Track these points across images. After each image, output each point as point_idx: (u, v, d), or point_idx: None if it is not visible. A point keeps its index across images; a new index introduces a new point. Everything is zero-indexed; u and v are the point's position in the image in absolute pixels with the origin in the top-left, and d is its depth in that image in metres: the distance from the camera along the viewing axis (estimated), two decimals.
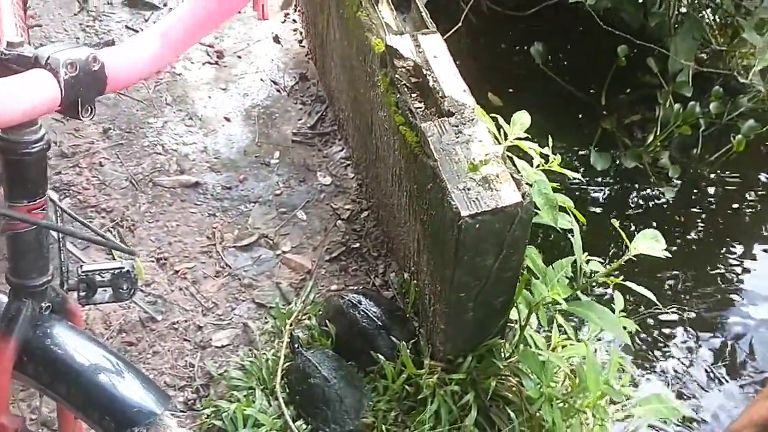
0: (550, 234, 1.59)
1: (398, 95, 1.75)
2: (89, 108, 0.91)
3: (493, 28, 3.30)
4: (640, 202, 2.92)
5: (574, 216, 1.58)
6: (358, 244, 2.21)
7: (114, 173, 2.36)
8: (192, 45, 1.07)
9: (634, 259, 1.53)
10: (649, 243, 1.51)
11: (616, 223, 1.53)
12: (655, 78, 2.99)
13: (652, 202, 2.91)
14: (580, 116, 3.16)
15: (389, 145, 1.89)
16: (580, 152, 3.03)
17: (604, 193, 2.94)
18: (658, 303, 1.79)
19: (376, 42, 1.84)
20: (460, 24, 2.59)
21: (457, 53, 1.94)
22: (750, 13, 2.94)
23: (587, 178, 2.96)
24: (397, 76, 1.75)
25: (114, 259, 2.10)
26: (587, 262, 1.54)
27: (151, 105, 2.57)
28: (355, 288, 2.09)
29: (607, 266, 1.59)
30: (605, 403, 1.80)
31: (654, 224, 2.80)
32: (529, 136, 1.59)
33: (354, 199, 2.33)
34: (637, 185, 2.96)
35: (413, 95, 1.73)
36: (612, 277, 1.60)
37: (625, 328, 1.72)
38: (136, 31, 2.75)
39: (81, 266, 1.18)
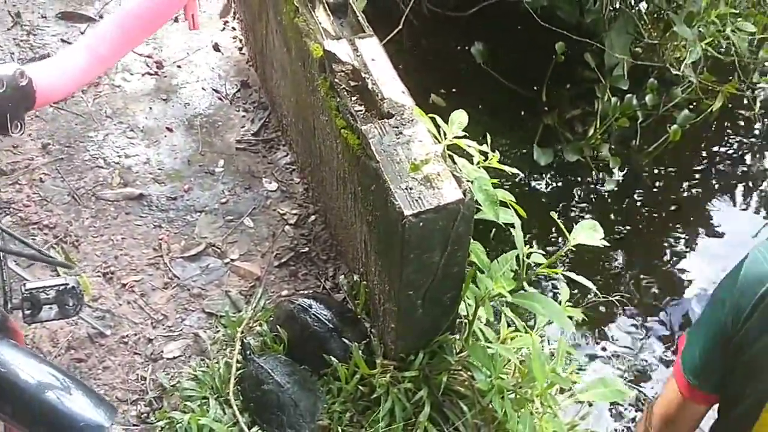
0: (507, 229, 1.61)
1: (338, 99, 1.76)
2: (18, 124, 0.91)
3: (434, 29, 3.34)
4: (584, 194, 2.99)
5: (515, 210, 1.61)
6: (306, 249, 2.21)
7: (55, 189, 2.32)
8: (122, 56, 1.07)
9: (580, 250, 1.57)
10: (588, 233, 1.55)
11: (555, 215, 1.56)
12: (593, 73, 3.07)
13: (595, 194, 2.98)
14: (523, 113, 3.22)
15: (332, 148, 1.90)
16: (524, 148, 3.08)
17: (548, 187, 3.00)
18: (597, 292, 1.84)
19: (315, 47, 1.84)
20: (401, 27, 2.61)
21: (400, 56, 1.96)
22: (680, 6, 3.03)
23: (531, 173, 3.01)
24: (336, 80, 1.76)
25: (59, 275, 2.07)
26: (529, 255, 1.57)
27: (91, 118, 2.53)
28: (306, 292, 2.09)
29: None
30: (555, 392, 1.84)
31: (598, 215, 2.87)
32: (467, 134, 1.61)
33: (301, 204, 2.33)
34: (579, 178, 3.03)
35: (353, 98, 1.74)
36: (555, 268, 1.64)
37: (571, 317, 1.76)
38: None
39: (24, 284, 1.17)
